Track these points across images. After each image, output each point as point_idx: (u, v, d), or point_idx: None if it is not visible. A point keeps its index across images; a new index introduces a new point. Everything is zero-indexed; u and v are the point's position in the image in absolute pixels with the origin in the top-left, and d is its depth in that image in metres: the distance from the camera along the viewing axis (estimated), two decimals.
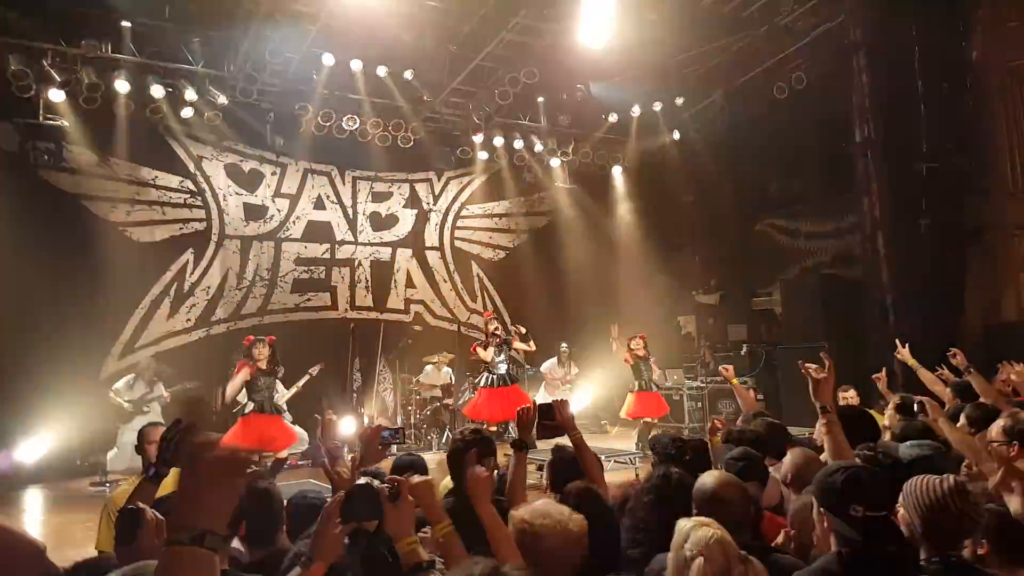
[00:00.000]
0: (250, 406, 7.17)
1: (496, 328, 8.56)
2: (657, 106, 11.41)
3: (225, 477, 1.08)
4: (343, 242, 11.60)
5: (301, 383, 8.00)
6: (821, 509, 1.90)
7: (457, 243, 12.73)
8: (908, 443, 2.73)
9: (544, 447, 3.77)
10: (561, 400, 2.97)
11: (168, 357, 9.68)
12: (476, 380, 8.91)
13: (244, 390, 7.25)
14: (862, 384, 5.63)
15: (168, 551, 1.03)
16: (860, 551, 1.79)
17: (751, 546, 2.06)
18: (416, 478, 1.88)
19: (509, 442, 2.80)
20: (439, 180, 12.56)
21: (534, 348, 9.12)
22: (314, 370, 8.16)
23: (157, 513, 1.87)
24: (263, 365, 7.16)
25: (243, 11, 8.58)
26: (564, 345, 11.25)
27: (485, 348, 8.32)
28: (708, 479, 2.26)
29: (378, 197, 11.98)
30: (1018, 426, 2.59)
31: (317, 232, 11.37)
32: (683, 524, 1.80)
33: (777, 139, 10.98)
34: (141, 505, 1.94)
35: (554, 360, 11.25)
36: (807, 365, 2.84)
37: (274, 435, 7.08)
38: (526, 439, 2.75)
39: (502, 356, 8.37)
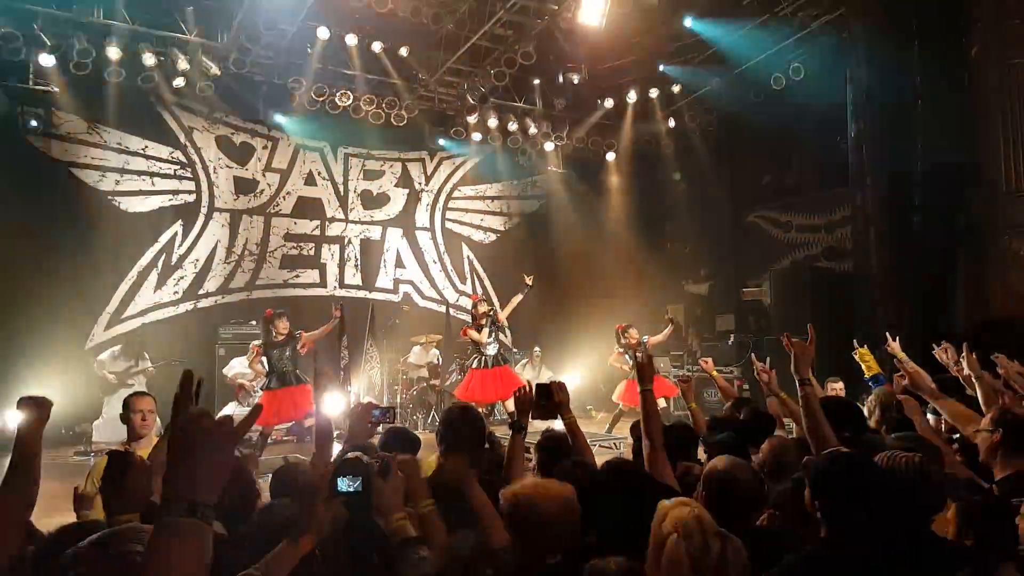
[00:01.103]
0: (274, 380, 7.24)
1: (489, 309, 8.59)
2: (653, 93, 11.36)
3: (217, 448, 1.07)
4: (333, 219, 11.52)
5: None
6: (816, 502, 1.90)
7: (448, 224, 12.68)
8: (893, 436, 2.76)
9: (534, 431, 3.78)
10: (558, 382, 2.97)
11: (155, 329, 9.63)
12: (468, 362, 8.92)
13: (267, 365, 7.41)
14: (850, 375, 5.68)
15: (161, 523, 1.02)
16: (849, 543, 1.80)
17: (752, 531, 2.07)
18: (401, 457, 1.87)
19: (508, 424, 2.80)
20: (432, 160, 12.48)
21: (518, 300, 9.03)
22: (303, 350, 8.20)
23: (143, 459, 1.85)
24: (281, 338, 7.29)
25: None
26: (537, 349, 11.28)
27: (479, 330, 8.34)
28: (719, 462, 2.28)
29: (370, 175, 11.89)
30: (1005, 416, 2.66)
31: (307, 208, 11.29)
32: (663, 504, 1.81)
33: (772, 130, 10.97)
34: (127, 448, 1.93)
35: (524, 362, 11.29)
36: (791, 340, 2.85)
37: (299, 402, 7.12)
38: (524, 421, 2.74)
39: (492, 337, 8.44)
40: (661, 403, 8.92)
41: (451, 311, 11.91)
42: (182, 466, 1.04)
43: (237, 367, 8.89)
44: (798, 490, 2.54)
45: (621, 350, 9.05)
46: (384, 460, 1.78)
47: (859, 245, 8.61)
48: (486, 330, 8.35)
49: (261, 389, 7.62)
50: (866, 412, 3.99)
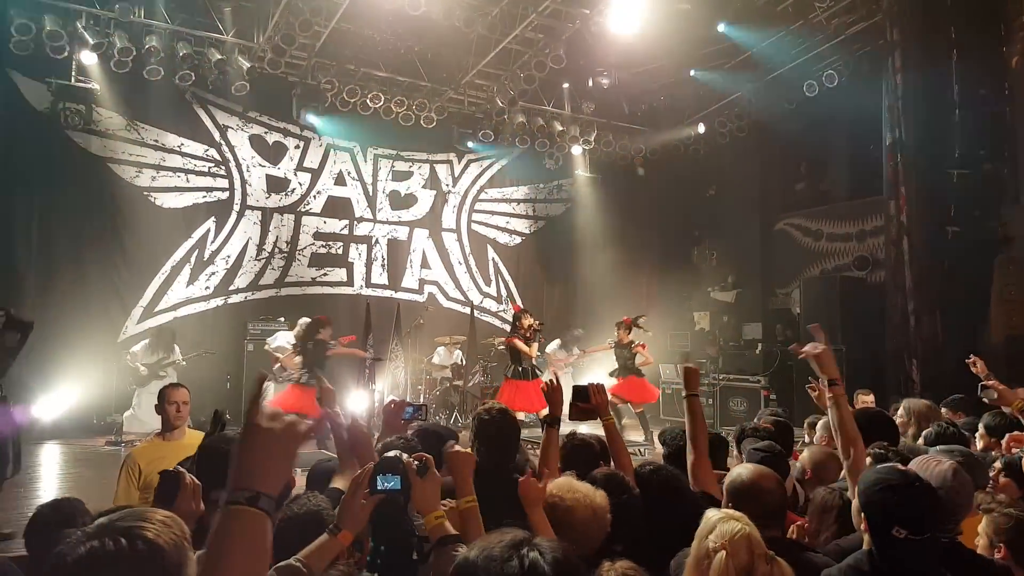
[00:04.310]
0: (304, 376, 7.61)
1: (535, 322, 8.59)
2: (683, 97, 11.31)
3: (285, 447, 1.13)
4: (362, 219, 11.63)
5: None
6: (862, 514, 1.89)
7: (474, 226, 12.72)
8: (937, 448, 2.73)
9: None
10: (597, 384, 2.97)
11: (186, 324, 9.79)
12: (506, 371, 8.91)
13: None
14: (881, 388, 5.61)
15: (226, 510, 1.08)
16: (895, 557, 1.79)
17: (783, 543, 2.06)
18: (457, 447, 1.90)
19: (539, 419, 2.82)
20: (459, 162, 12.54)
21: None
22: (345, 340, 8.53)
23: (195, 478, 1.90)
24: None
25: None
26: (578, 331, 11.20)
27: (527, 343, 8.36)
28: (744, 470, 2.26)
29: (398, 176, 11.99)
30: None
31: (337, 208, 11.40)
32: (710, 515, 1.80)
33: (804, 137, 10.87)
34: (180, 469, 1.98)
35: (557, 342, 11.17)
36: (801, 349, 2.76)
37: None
38: (557, 415, 2.75)
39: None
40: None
41: (475, 313, 11.94)
42: (250, 459, 1.11)
43: (280, 340, 9.06)
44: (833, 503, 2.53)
45: (611, 343, 9.06)
46: (422, 459, 1.80)
47: (892, 255, 8.49)
48: (535, 345, 8.41)
49: (290, 381, 7.75)
50: (899, 425, 3.94)
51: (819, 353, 2.61)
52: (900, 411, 4.34)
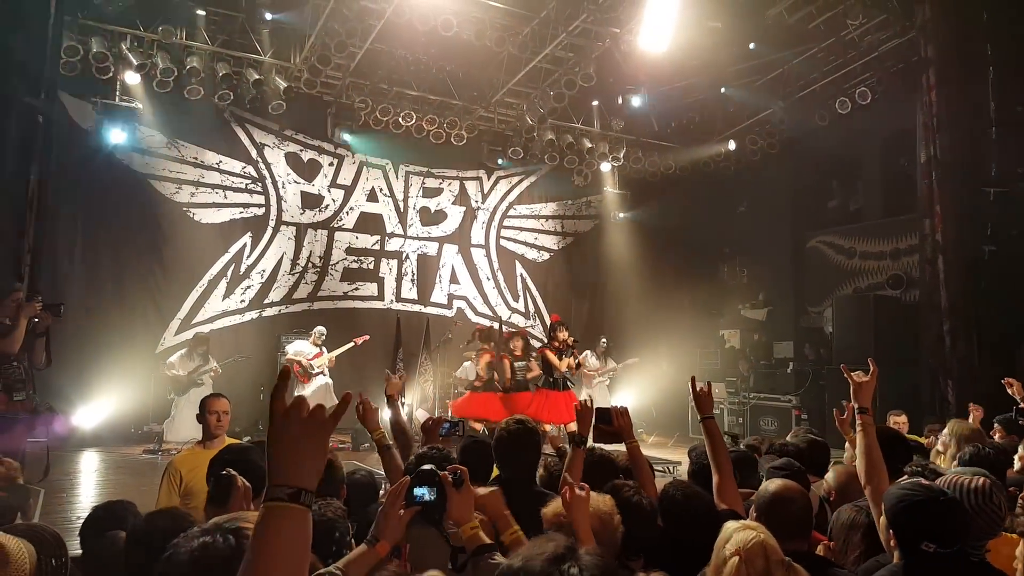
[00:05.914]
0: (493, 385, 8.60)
1: (569, 338, 8.53)
2: (714, 114, 11.30)
3: (314, 436, 1.12)
4: (393, 235, 11.80)
5: (345, 348, 9.22)
6: (890, 530, 1.91)
7: (502, 242, 12.81)
8: (963, 469, 2.71)
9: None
10: (621, 407, 2.99)
11: (221, 336, 10.00)
12: (537, 381, 8.88)
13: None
14: (916, 409, 5.52)
15: (268, 507, 1.07)
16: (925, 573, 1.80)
17: (809, 557, 2.07)
18: (483, 490, 1.92)
19: (570, 438, 2.84)
20: (489, 179, 12.66)
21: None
22: (359, 340, 8.95)
23: (247, 481, 1.97)
24: (519, 353, 8.63)
25: (312, 4, 8.85)
26: (604, 340, 11.15)
27: (560, 356, 8.34)
28: (771, 484, 2.28)
29: (429, 193, 12.15)
30: None
31: (369, 223, 11.59)
32: (729, 525, 1.83)
33: (836, 154, 10.78)
34: (232, 472, 2.05)
35: (589, 353, 11.10)
36: (851, 373, 2.84)
37: (498, 407, 8.28)
38: (585, 434, 2.78)
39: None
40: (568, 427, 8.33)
41: (503, 328, 11.99)
42: (282, 453, 1.10)
43: (297, 347, 9.43)
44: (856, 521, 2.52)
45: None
46: (457, 471, 1.85)
47: (926, 274, 8.36)
48: (566, 360, 8.39)
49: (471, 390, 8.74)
50: (940, 445, 3.90)
51: (864, 382, 2.65)
52: (944, 432, 4.26)
